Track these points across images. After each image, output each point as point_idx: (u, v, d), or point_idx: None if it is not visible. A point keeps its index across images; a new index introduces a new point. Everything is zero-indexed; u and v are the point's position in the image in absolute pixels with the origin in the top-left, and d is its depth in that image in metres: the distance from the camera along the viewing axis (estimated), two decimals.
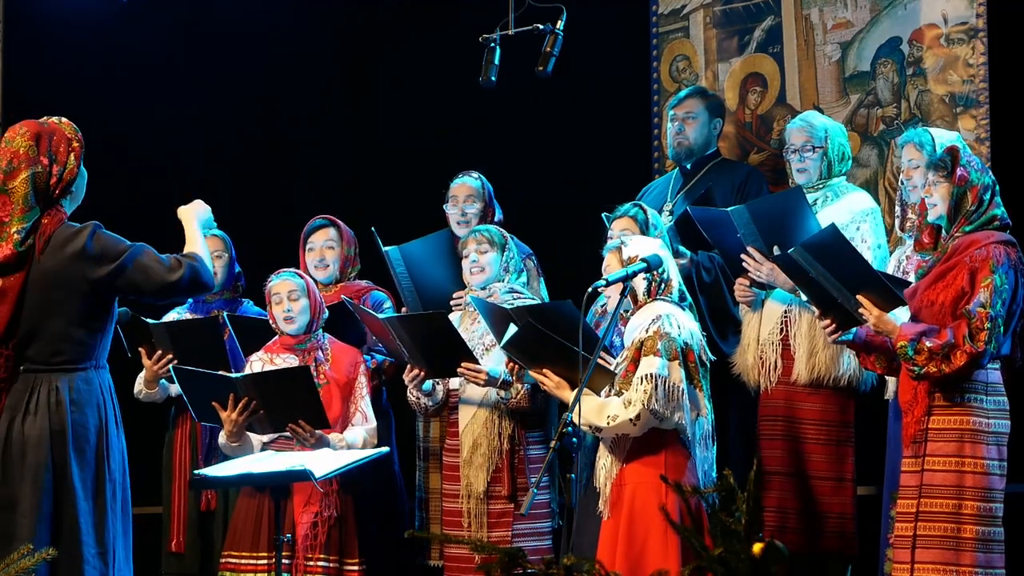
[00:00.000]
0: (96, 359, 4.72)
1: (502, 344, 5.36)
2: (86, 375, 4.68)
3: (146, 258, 4.69)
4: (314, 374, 5.82)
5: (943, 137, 5.82)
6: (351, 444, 5.87)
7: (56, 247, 4.64)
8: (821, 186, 6.18)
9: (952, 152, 5.26)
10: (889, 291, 5.21)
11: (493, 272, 6.05)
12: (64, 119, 4.77)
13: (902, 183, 5.89)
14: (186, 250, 4.84)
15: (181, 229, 4.96)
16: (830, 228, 5.33)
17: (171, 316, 6.54)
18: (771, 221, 5.84)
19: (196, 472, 5.52)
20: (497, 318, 5.57)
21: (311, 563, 5.83)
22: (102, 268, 4.63)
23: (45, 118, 4.76)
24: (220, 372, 5.79)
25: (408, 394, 6.02)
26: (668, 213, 6.60)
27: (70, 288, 4.63)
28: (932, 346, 5.07)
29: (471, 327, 6.05)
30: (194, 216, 4.97)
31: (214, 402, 5.70)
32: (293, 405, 5.69)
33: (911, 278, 5.44)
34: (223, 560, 5.94)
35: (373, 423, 5.98)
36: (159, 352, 6.25)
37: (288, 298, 5.96)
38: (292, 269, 6.14)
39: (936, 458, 5.18)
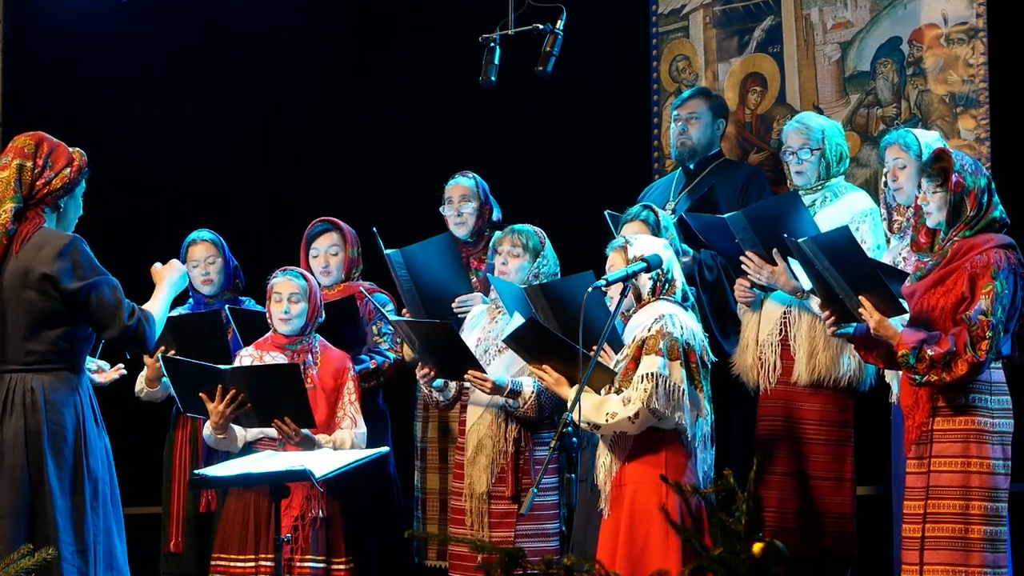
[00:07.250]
0: (72, 363, 4.73)
1: (504, 338, 5.35)
2: (61, 376, 4.69)
3: (112, 293, 4.72)
4: (302, 376, 5.81)
5: (926, 138, 5.81)
6: (339, 447, 5.83)
7: (34, 248, 4.68)
8: (820, 187, 6.17)
9: (943, 159, 5.18)
10: (892, 297, 5.17)
11: (518, 280, 5.91)
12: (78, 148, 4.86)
13: (886, 185, 5.89)
14: (147, 305, 4.88)
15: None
16: (843, 229, 5.31)
17: (174, 312, 6.52)
18: (768, 226, 5.83)
19: (196, 472, 5.51)
20: (517, 298, 5.57)
21: (298, 564, 5.82)
22: (72, 282, 4.66)
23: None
24: (207, 363, 5.76)
25: (422, 387, 6.01)
26: (671, 212, 6.60)
27: (41, 288, 4.66)
28: (934, 354, 5.03)
29: (488, 326, 6.00)
30: (167, 280, 5.02)
31: (202, 393, 5.69)
32: (280, 401, 5.68)
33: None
34: (213, 563, 5.92)
35: (362, 428, 5.95)
36: (162, 348, 6.24)
37: (288, 299, 5.95)
38: (298, 269, 6.12)
39: (942, 459, 5.16)
